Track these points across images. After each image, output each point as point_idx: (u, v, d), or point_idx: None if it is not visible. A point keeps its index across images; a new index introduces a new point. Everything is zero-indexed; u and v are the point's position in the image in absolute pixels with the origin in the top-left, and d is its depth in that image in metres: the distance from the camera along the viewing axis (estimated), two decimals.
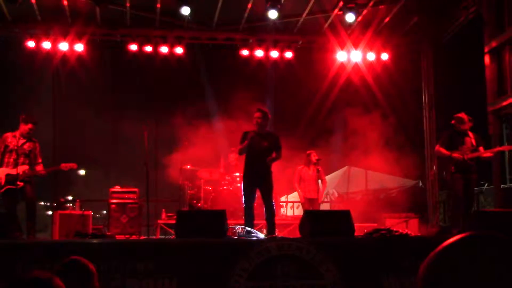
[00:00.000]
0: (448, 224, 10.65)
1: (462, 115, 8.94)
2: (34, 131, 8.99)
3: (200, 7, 11.99)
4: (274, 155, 8.67)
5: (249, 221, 8.60)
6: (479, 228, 6.97)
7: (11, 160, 8.68)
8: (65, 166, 8.99)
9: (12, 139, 8.75)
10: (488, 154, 9.01)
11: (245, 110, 11.92)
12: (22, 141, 8.74)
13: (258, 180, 8.75)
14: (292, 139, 12.18)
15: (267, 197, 8.78)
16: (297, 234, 8.60)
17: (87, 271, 3.59)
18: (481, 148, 8.93)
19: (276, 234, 8.85)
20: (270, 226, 8.72)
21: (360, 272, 6.38)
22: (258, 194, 8.97)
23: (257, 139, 8.66)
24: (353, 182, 14.68)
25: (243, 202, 9.06)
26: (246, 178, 8.90)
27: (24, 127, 8.76)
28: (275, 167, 11.33)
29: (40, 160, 8.99)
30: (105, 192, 11.51)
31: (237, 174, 11.54)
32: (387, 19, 13.03)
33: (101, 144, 14.76)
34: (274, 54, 13.41)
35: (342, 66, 13.73)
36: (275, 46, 13.41)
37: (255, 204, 11.63)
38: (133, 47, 12.88)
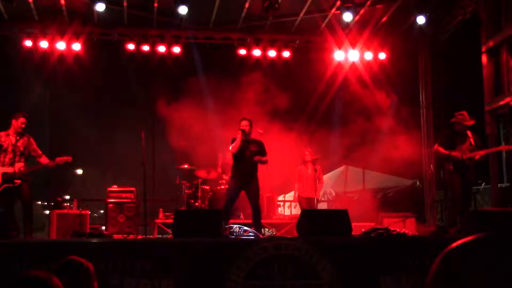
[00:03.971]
0: (445, 223, 10.66)
1: (464, 113, 8.93)
2: (29, 127, 8.95)
3: (198, 6, 11.98)
4: (262, 158, 9.25)
5: (226, 219, 8.72)
6: (476, 228, 6.98)
7: (7, 159, 8.65)
8: (60, 160, 8.93)
9: (6, 138, 8.72)
10: (477, 156, 8.85)
11: (243, 109, 11.92)
12: (16, 139, 8.70)
13: (245, 183, 9.13)
14: (290, 138, 12.19)
15: (254, 200, 9.12)
16: (294, 234, 8.61)
17: (85, 270, 3.59)
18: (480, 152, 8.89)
19: (274, 233, 8.90)
20: (258, 228, 8.96)
21: (357, 271, 6.39)
22: (263, 194, 9.21)
23: (245, 145, 9.17)
24: (350, 182, 14.66)
25: (225, 201, 9.40)
26: (234, 180, 9.28)
27: (16, 123, 8.73)
28: (274, 165, 11.36)
29: (41, 152, 8.94)
30: (102, 191, 11.49)
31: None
32: (384, 19, 13.05)
33: (98, 143, 14.74)
34: (272, 53, 13.43)
35: (340, 65, 13.75)
36: (272, 45, 13.42)
37: None
38: (131, 46, 12.88)
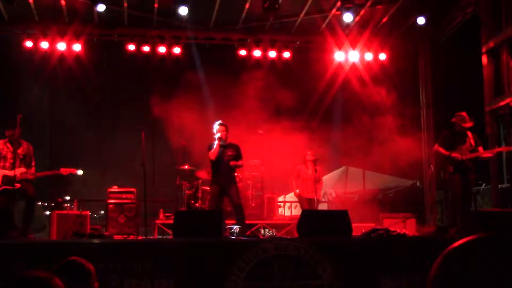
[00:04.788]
0: (446, 224, 10.66)
1: (464, 113, 8.95)
2: (30, 129, 8.99)
3: (198, 7, 11.98)
4: (238, 162, 9.48)
5: None
6: (476, 228, 6.98)
7: (7, 164, 8.71)
8: (65, 170, 9.03)
9: (4, 146, 8.80)
10: (487, 154, 9.03)
11: (243, 110, 11.93)
12: (14, 146, 8.74)
13: (225, 188, 9.29)
14: (290, 139, 12.18)
15: (236, 201, 9.28)
16: (294, 234, 8.61)
17: (85, 271, 3.59)
18: (480, 149, 8.93)
19: (275, 234, 8.91)
20: (242, 223, 9.24)
21: (357, 272, 6.39)
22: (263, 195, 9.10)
23: (222, 150, 9.37)
24: (351, 182, 14.66)
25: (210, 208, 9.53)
26: (214, 186, 9.43)
27: (8, 133, 8.81)
28: (274, 166, 11.34)
29: (33, 164, 9.00)
30: (102, 192, 11.49)
31: (236, 174, 11.55)
32: (384, 19, 13.04)
33: (98, 144, 14.73)
34: (272, 54, 13.43)
35: (340, 66, 13.74)
36: (272, 46, 13.42)
37: (253, 205, 11.71)
38: (131, 47, 12.89)
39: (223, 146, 9.40)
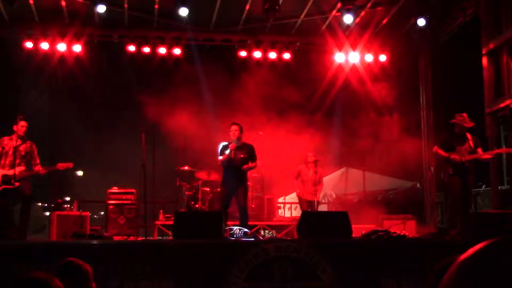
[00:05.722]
0: (446, 225, 10.66)
1: (464, 115, 8.95)
2: (30, 130, 9.03)
3: (198, 8, 11.99)
4: (251, 164, 9.35)
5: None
6: (476, 230, 6.98)
7: (7, 162, 8.75)
8: (61, 165, 9.07)
9: (9, 141, 8.86)
10: (486, 156, 9.01)
11: (243, 111, 11.93)
12: (18, 142, 8.79)
13: (234, 189, 9.24)
14: (290, 140, 12.19)
15: (242, 203, 9.25)
16: (294, 236, 8.61)
17: (83, 272, 3.59)
18: (479, 150, 8.92)
19: (275, 235, 8.90)
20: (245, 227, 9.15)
21: (357, 273, 6.38)
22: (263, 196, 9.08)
23: (234, 152, 9.27)
24: (351, 184, 14.67)
25: (219, 208, 9.52)
26: (223, 187, 9.42)
27: (17, 127, 8.84)
28: (274, 167, 11.32)
29: (38, 161, 9.07)
30: (102, 193, 11.49)
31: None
32: (385, 21, 13.05)
33: (98, 145, 14.73)
34: (272, 55, 13.43)
35: (340, 67, 13.74)
36: (273, 47, 13.42)
37: (253, 206, 11.72)
38: (131, 48, 12.89)
39: (236, 148, 9.29)
